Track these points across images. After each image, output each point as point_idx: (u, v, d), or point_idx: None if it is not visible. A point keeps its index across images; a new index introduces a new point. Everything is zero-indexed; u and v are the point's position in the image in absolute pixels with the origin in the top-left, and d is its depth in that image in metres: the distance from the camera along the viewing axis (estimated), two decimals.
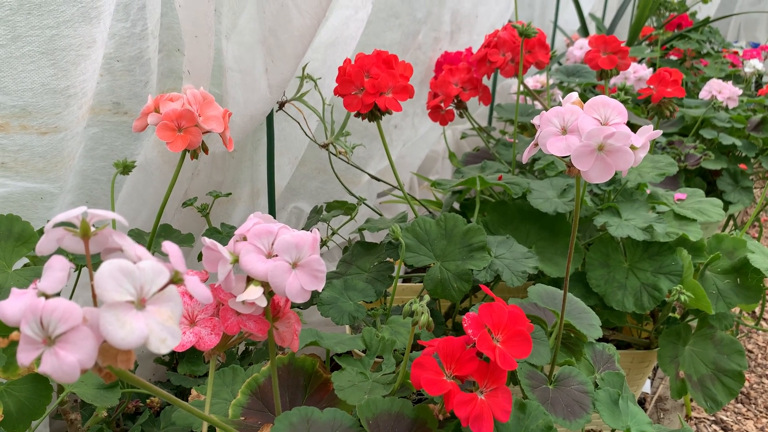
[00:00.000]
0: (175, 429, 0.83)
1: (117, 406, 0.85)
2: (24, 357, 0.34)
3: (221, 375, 0.74)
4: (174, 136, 0.74)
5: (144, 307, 0.35)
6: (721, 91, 1.64)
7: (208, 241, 0.52)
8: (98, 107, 0.89)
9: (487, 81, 1.27)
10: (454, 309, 1.12)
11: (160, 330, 0.35)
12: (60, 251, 0.40)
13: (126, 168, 0.82)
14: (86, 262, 0.40)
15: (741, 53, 2.40)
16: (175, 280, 0.38)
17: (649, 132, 0.60)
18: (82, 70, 0.76)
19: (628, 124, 0.59)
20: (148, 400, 0.90)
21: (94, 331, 0.35)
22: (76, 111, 0.79)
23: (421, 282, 1.24)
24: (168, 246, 0.40)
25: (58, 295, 0.36)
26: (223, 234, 0.95)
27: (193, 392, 0.76)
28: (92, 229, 0.39)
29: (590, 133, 0.57)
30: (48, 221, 0.82)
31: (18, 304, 0.34)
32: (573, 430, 0.68)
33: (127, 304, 0.35)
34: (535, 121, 0.63)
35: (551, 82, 1.76)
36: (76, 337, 0.34)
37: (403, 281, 1.23)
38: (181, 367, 0.90)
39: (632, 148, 0.58)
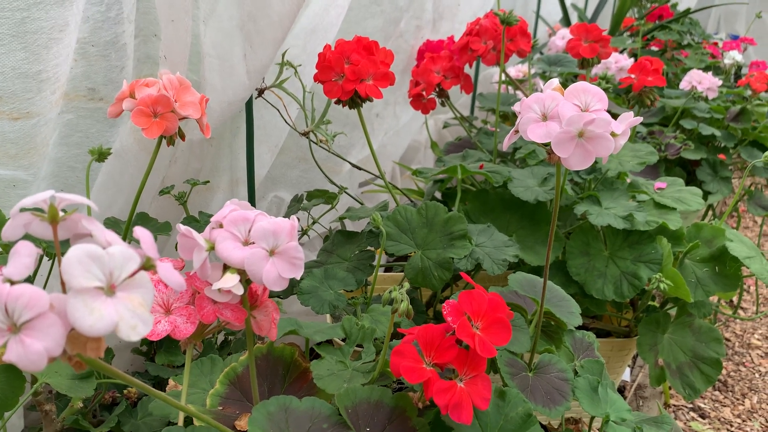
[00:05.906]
0: (152, 419, 0.82)
1: (93, 396, 0.84)
2: None
3: (199, 365, 0.73)
4: (149, 122, 0.72)
5: (114, 294, 0.34)
6: (701, 81, 1.65)
7: (182, 227, 0.51)
8: (73, 93, 0.87)
9: (469, 70, 1.26)
10: (435, 298, 1.12)
11: (131, 317, 0.34)
12: (31, 239, 0.39)
13: (101, 155, 0.80)
14: (55, 249, 0.39)
15: (721, 45, 2.42)
16: (147, 266, 0.37)
17: (629, 119, 0.60)
18: (54, 54, 0.74)
19: (609, 113, 0.59)
20: (125, 391, 0.88)
21: (62, 318, 0.34)
22: (49, 96, 0.77)
23: (402, 271, 1.24)
24: (139, 231, 0.39)
25: (30, 281, 0.35)
26: (200, 223, 0.94)
27: (171, 382, 0.75)
28: (61, 214, 0.38)
29: (570, 120, 0.57)
30: None
31: None
32: (553, 417, 0.68)
33: (96, 290, 0.34)
34: (516, 107, 0.62)
35: (533, 71, 1.76)
36: (42, 324, 0.33)
37: (385, 270, 1.23)
38: (159, 357, 0.89)
39: (612, 134, 0.58)
